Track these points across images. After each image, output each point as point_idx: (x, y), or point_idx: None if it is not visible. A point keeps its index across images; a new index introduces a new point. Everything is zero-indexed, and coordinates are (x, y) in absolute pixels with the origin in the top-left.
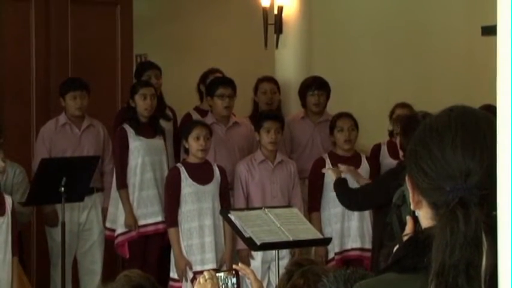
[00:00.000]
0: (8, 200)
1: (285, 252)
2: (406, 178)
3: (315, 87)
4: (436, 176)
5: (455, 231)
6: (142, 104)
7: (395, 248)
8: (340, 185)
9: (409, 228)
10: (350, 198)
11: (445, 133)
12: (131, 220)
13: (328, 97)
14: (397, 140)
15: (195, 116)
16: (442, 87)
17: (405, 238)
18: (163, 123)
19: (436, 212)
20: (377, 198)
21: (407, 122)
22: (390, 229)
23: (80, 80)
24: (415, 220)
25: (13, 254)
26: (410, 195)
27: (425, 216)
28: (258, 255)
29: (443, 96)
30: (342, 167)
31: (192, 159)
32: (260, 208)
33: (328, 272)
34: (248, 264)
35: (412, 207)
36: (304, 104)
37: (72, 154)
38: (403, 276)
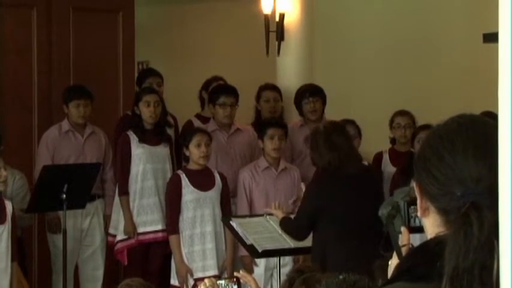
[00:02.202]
0: (9, 207)
1: (288, 259)
2: (414, 185)
3: (309, 94)
4: (446, 181)
5: (469, 235)
6: (147, 111)
7: (392, 260)
8: (286, 224)
9: (405, 239)
10: (293, 233)
11: (456, 139)
12: (130, 227)
13: (324, 103)
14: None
15: (197, 123)
16: (443, 95)
17: (403, 249)
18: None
19: (445, 218)
20: (307, 224)
21: (311, 137)
22: (385, 240)
23: (84, 89)
24: (410, 231)
25: (12, 260)
26: (418, 202)
27: (433, 224)
28: (261, 263)
29: (444, 103)
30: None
31: (192, 166)
32: (262, 215)
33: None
34: (251, 271)
35: (419, 214)
36: (301, 113)
37: (76, 161)
38: (414, 285)
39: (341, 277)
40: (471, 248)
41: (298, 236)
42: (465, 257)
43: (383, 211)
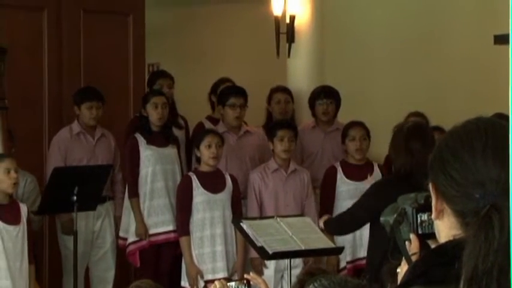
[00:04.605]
0: (23, 209)
1: (298, 261)
2: (430, 186)
3: (323, 95)
4: (465, 183)
5: (489, 237)
6: (154, 113)
7: (401, 267)
8: (330, 223)
9: (415, 246)
10: (340, 226)
11: (475, 141)
12: (142, 229)
13: (337, 106)
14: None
15: (208, 125)
16: (454, 96)
17: (413, 257)
18: (175, 131)
19: (462, 220)
20: (361, 218)
21: (393, 135)
22: (393, 246)
23: (96, 90)
24: (420, 238)
25: (29, 262)
26: (433, 203)
27: (448, 226)
28: (271, 264)
29: (455, 105)
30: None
31: (203, 167)
32: (272, 217)
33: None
34: (261, 273)
35: (433, 216)
36: (314, 114)
37: (88, 163)
38: None
39: (327, 281)
40: (491, 250)
41: (350, 226)
42: (485, 259)
43: (387, 218)
